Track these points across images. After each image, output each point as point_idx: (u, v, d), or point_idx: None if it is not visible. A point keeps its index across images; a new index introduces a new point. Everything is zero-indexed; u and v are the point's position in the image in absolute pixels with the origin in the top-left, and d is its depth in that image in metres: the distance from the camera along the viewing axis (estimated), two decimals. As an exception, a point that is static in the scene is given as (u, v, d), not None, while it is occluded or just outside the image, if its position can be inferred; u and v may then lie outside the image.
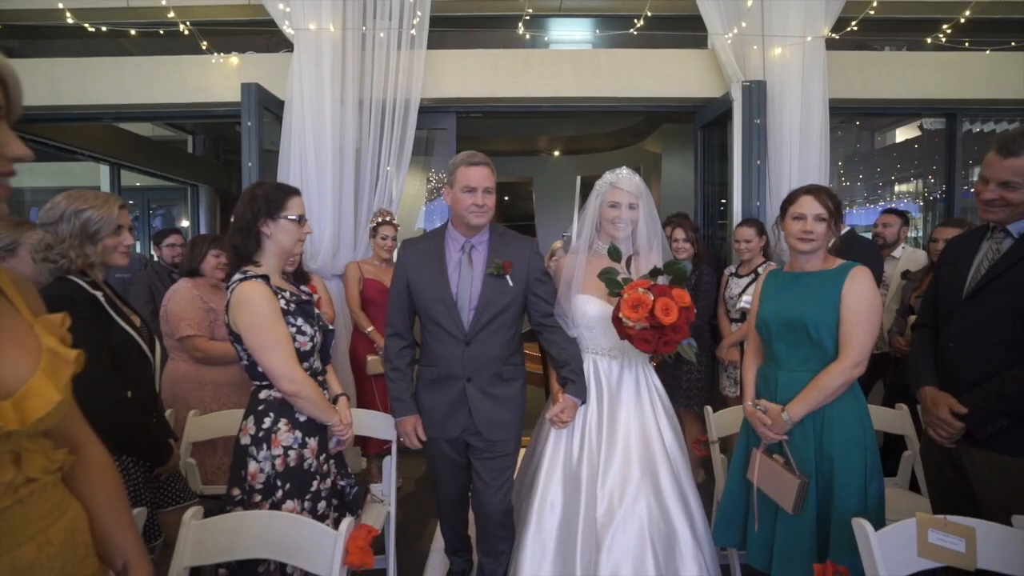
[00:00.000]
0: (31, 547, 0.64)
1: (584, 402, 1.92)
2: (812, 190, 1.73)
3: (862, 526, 1.25)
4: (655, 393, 2.03)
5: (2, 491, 0.62)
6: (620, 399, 1.96)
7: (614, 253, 1.86)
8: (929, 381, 1.66)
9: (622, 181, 1.98)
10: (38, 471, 0.67)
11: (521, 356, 2.01)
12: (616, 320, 1.78)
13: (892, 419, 2.20)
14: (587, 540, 1.80)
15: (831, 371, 1.63)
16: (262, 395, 1.59)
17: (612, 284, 1.82)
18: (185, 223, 7.36)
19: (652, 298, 1.69)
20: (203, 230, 7.10)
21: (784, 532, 1.69)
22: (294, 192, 1.62)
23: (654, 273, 1.83)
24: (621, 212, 1.96)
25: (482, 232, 1.91)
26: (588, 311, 1.98)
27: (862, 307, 1.62)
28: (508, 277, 1.86)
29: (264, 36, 3.72)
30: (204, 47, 3.57)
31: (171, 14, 3.41)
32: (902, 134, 6.76)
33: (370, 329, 3.05)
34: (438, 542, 2.48)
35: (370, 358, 3.07)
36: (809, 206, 1.69)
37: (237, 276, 1.55)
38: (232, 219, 1.60)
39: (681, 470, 1.94)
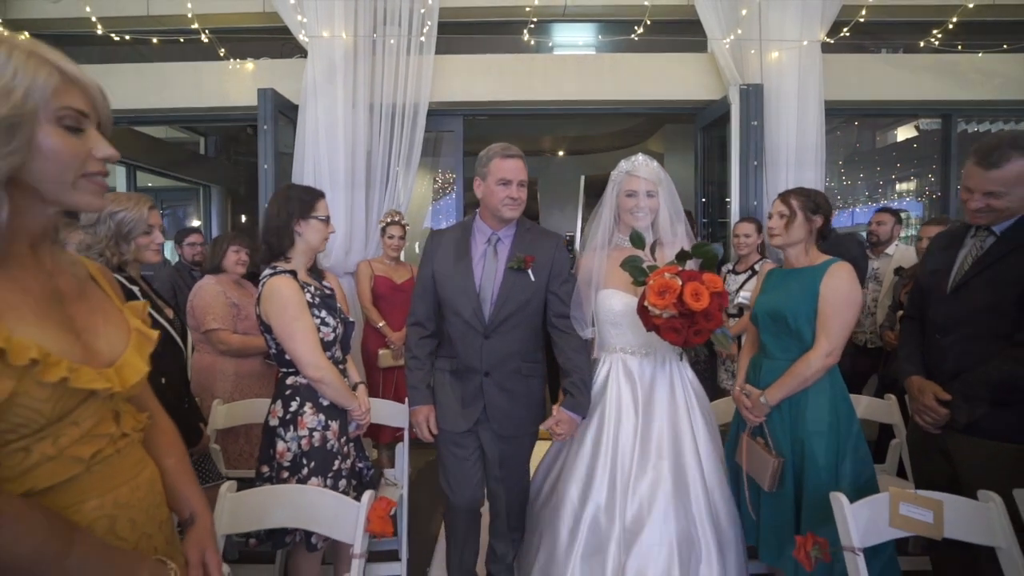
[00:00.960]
0: (126, 489, 0.79)
1: (584, 418, 1.80)
2: (781, 194, 1.93)
3: (838, 499, 1.36)
4: (691, 393, 1.88)
5: (107, 442, 0.76)
6: (654, 403, 1.82)
7: (636, 240, 1.75)
8: (915, 371, 1.75)
9: (638, 168, 1.88)
10: (130, 428, 0.82)
11: (543, 354, 1.93)
12: (641, 310, 1.66)
13: (882, 409, 2.31)
14: (618, 544, 1.71)
15: (806, 359, 1.75)
16: (289, 381, 1.71)
17: (636, 272, 1.70)
18: (197, 223, 7.50)
19: (680, 283, 1.57)
20: (215, 229, 7.23)
21: (767, 510, 1.81)
22: (321, 195, 1.75)
23: (682, 257, 1.69)
24: (639, 200, 1.86)
25: (509, 225, 1.87)
26: (613, 305, 1.88)
27: (837, 299, 1.74)
28: (530, 272, 1.81)
29: (279, 42, 3.83)
30: (222, 54, 3.68)
31: (195, 25, 3.54)
32: (902, 134, 6.81)
33: (381, 324, 3.17)
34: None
35: (381, 352, 3.18)
36: (774, 207, 1.90)
37: (267, 271, 1.68)
38: (265, 219, 1.73)
39: (714, 482, 1.81)
